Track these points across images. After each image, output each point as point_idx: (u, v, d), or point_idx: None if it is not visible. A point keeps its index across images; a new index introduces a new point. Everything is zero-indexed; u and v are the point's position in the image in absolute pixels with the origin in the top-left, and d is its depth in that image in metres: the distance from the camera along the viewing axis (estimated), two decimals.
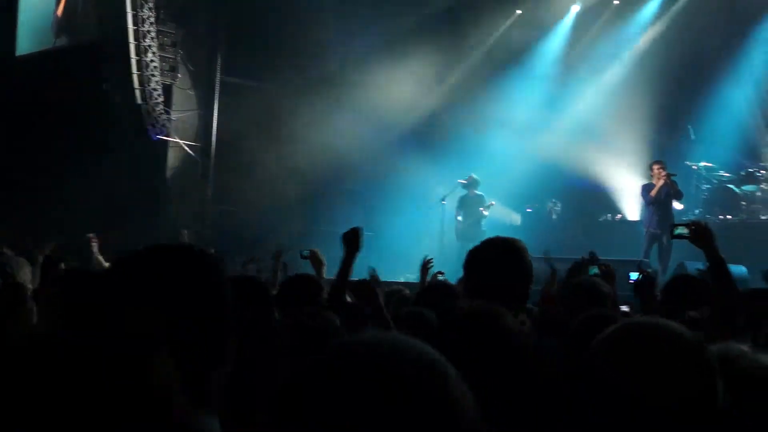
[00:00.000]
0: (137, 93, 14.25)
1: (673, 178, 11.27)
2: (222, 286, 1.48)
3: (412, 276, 12.13)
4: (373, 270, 5.97)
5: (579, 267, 5.00)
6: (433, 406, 0.97)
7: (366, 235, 16.09)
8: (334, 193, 15.75)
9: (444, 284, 5.03)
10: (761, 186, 12.91)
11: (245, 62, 15.47)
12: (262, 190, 14.91)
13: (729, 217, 12.88)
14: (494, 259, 2.88)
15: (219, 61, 15.64)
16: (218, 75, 15.65)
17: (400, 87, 15.60)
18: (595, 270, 4.94)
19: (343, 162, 15.31)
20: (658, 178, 11.21)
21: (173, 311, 1.41)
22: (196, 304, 1.44)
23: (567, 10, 16.62)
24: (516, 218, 15.31)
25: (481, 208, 13.35)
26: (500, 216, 14.44)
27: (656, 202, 11.19)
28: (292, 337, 2.89)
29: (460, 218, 13.49)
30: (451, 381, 1.00)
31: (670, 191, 11.20)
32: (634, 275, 9.24)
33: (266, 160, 15.04)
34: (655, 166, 11.32)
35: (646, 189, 11.41)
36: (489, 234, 13.13)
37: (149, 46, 14.42)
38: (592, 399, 1.54)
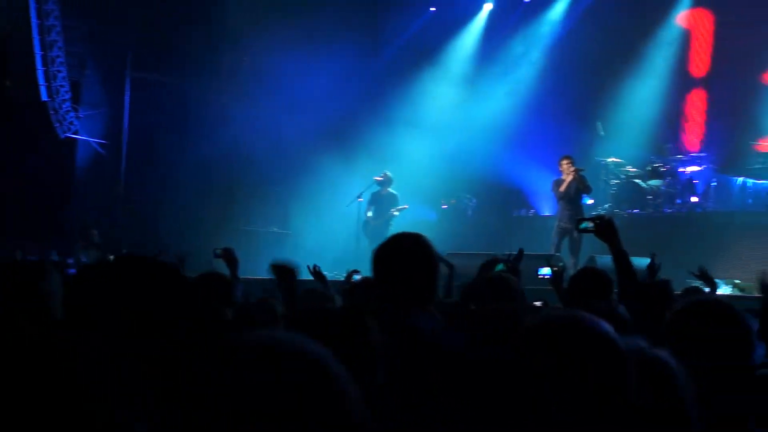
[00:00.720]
0: (43, 90, 13.83)
1: (582, 173, 11.54)
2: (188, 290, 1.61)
3: (329, 274, 12.12)
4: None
5: (489, 264, 5.09)
6: (320, 401, 1.01)
7: (283, 234, 16.02)
8: (248, 190, 15.62)
9: (369, 281, 5.05)
10: (665, 180, 13.40)
11: (156, 56, 15.15)
12: (174, 188, 14.68)
13: (636, 211, 13.32)
14: (400, 255, 2.90)
15: (129, 56, 15.29)
16: (129, 70, 15.31)
17: (315, 81, 15.57)
18: (501, 266, 5.04)
19: (257, 158, 15.18)
20: (568, 174, 11.46)
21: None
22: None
23: (480, 8, 16.88)
24: (432, 214, 15.46)
25: (393, 210, 13.39)
26: (415, 212, 14.57)
27: (566, 197, 11.44)
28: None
29: (370, 214, 13.50)
30: (335, 376, 1.04)
31: (580, 186, 11.48)
32: (543, 270, 9.52)
33: (179, 158, 14.80)
34: (564, 162, 11.56)
35: (556, 184, 11.65)
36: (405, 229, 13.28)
37: (55, 41, 14.02)
38: (510, 390, 1.56)
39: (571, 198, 11.44)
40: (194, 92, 15.13)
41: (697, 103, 15.21)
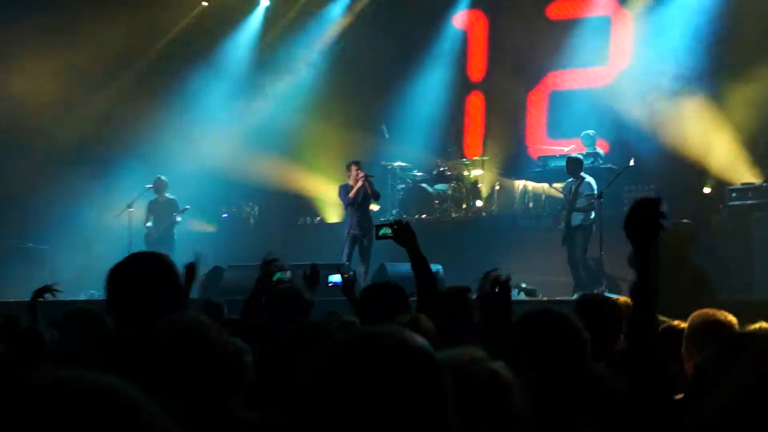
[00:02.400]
0: None
1: (371, 178, 11.76)
2: None
3: (97, 293, 11.54)
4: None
5: (267, 274, 4.85)
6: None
7: (39, 249, 15.08)
8: None
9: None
10: (451, 185, 14.00)
11: None
12: None
13: (424, 215, 13.81)
14: (141, 275, 2.78)
15: None
16: None
17: (75, 77, 14.80)
18: (280, 275, 4.90)
19: (10, 168, 14.22)
20: (356, 179, 11.64)
21: None
22: None
23: (256, 4, 16.75)
24: (211, 224, 15.19)
25: (175, 214, 13.07)
26: (193, 222, 14.22)
27: (354, 203, 11.62)
28: None
29: (149, 224, 13.09)
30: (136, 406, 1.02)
31: (368, 192, 11.69)
32: (333, 277, 9.56)
33: None
34: (353, 167, 11.74)
35: (344, 190, 11.79)
36: (181, 241, 12.94)
37: None
38: (318, 413, 1.48)
39: (360, 204, 11.63)
40: None
41: (476, 106, 15.94)
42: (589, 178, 11.11)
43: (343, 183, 11.91)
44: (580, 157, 11.48)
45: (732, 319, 3.64)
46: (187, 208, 13.20)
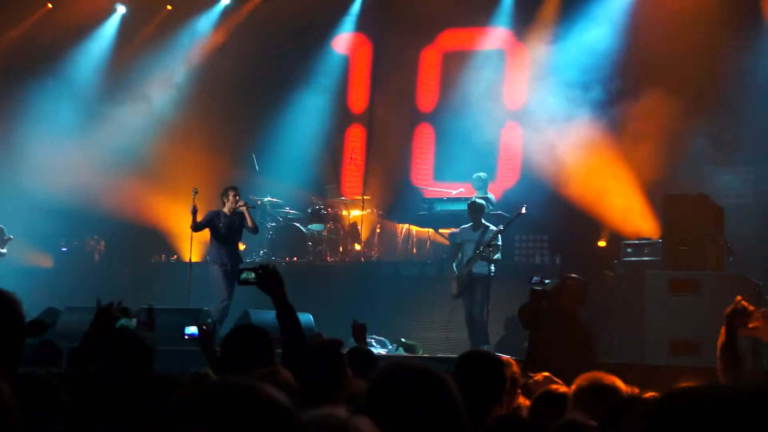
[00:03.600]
0: None
1: (252, 209, 11.57)
2: None
3: None
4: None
5: (103, 317, 4.63)
6: None
7: None
8: None
9: None
10: (327, 225, 13.95)
11: None
12: None
13: (296, 258, 13.71)
14: None
15: None
16: None
17: None
18: (124, 321, 4.73)
19: None
20: (233, 208, 11.38)
21: None
22: None
23: (111, 10, 16.43)
24: (47, 259, 14.72)
25: None
26: (26, 256, 13.74)
27: (229, 233, 11.39)
28: None
29: None
30: None
31: (248, 224, 11.49)
32: (189, 329, 9.39)
33: None
34: (231, 193, 11.46)
35: (217, 218, 11.47)
36: (6, 278, 12.45)
37: None
38: None
39: (231, 236, 11.45)
40: None
41: (357, 140, 16.01)
42: (492, 227, 11.28)
43: (215, 210, 11.65)
44: (483, 202, 11.62)
45: (619, 383, 3.74)
46: (10, 238, 12.77)
